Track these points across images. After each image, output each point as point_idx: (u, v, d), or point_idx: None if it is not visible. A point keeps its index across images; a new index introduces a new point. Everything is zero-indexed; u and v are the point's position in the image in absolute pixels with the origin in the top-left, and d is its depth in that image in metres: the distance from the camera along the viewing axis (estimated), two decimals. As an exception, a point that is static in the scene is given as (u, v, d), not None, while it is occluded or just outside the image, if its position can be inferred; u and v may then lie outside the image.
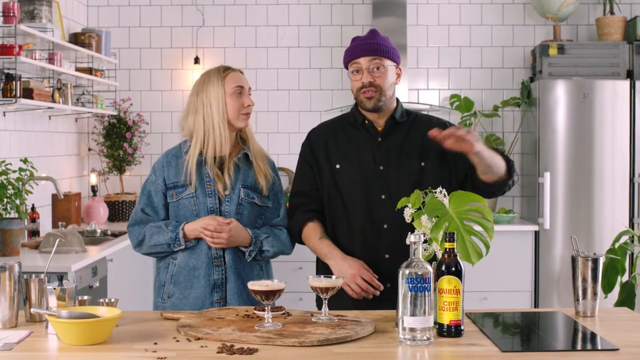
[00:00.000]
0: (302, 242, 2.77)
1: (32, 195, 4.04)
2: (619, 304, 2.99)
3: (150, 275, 4.37)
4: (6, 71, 3.91)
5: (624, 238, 3.03)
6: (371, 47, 2.65)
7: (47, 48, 4.42)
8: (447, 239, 2.07)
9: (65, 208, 4.87)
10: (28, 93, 4.03)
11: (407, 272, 1.99)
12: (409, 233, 2.07)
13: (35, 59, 4.13)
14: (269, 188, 2.78)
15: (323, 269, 2.67)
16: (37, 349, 1.99)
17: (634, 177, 5.12)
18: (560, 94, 5.13)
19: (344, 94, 5.61)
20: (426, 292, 1.98)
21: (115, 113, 5.45)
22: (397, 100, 2.76)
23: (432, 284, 2.00)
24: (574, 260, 2.36)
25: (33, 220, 4.32)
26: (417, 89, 5.70)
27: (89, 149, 5.60)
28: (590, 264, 2.33)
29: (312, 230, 2.70)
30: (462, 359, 1.91)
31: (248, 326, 2.14)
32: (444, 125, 2.74)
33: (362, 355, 1.91)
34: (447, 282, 2.05)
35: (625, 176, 5.13)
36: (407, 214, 2.20)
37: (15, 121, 4.35)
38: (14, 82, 3.87)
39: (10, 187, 3.67)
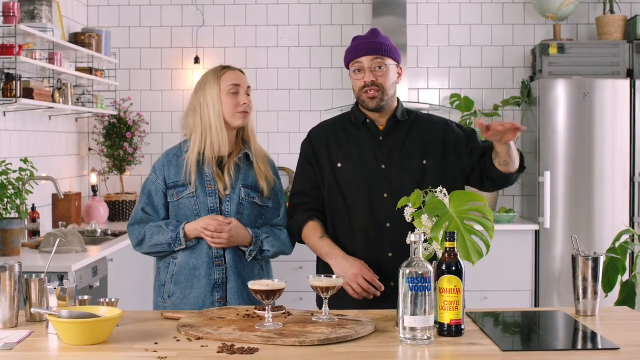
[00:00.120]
0: (302, 242, 2.76)
1: (33, 195, 4.04)
2: (619, 303, 2.99)
3: (151, 275, 4.36)
4: (6, 71, 3.91)
5: (625, 237, 3.04)
6: (373, 46, 2.65)
7: (47, 48, 4.42)
8: (448, 239, 2.07)
9: (66, 208, 4.87)
10: (28, 93, 4.03)
11: (407, 271, 1.99)
12: (410, 233, 2.07)
13: (35, 59, 4.13)
14: (270, 190, 2.78)
15: (323, 268, 2.66)
16: (37, 349, 1.99)
17: (634, 176, 5.12)
18: (560, 94, 5.13)
19: (344, 94, 5.61)
20: (427, 292, 1.98)
21: (115, 113, 5.45)
22: (398, 99, 2.76)
23: (432, 284, 2.00)
24: (574, 259, 2.36)
25: (33, 220, 4.32)
26: (418, 88, 5.70)
27: (89, 149, 5.60)
28: (590, 263, 2.33)
29: (312, 230, 2.70)
30: (463, 359, 1.91)
31: (248, 326, 2.14)
32: (445, 123, 2.75)
33: (362, 355, 1.91)
34: (448, 281, 2.05)
35: (625, 175, 5.13)
36: (408, 213, 2.21)
37: (16, 121, 4.35)
38: (14, 82, 3.87)
39: (10, 187, 3.67)
